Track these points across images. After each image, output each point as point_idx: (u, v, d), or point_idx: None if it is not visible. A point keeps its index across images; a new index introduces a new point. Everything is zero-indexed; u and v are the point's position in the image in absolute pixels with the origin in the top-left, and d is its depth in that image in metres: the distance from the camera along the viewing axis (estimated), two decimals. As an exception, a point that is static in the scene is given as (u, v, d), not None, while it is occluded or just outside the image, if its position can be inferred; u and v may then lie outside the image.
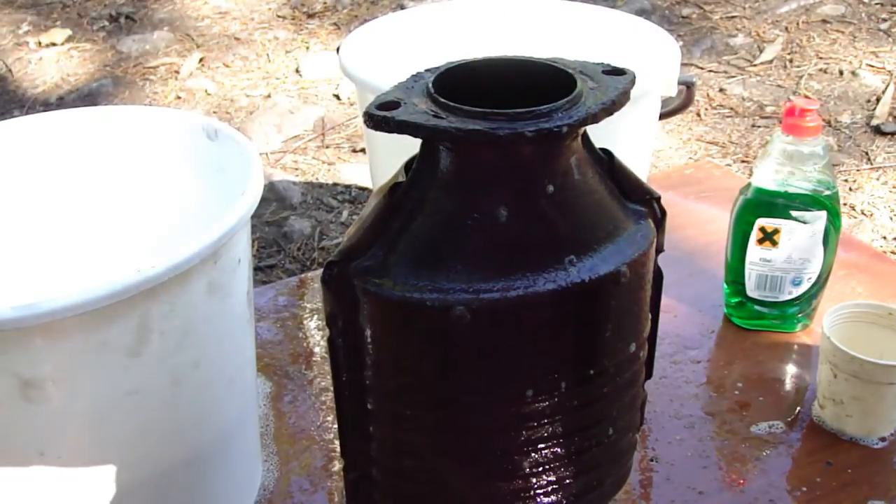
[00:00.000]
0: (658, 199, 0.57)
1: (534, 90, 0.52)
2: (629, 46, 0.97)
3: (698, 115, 1.91)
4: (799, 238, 0.85)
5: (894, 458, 0.77)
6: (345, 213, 1.63)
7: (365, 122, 0.50)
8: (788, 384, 0.86)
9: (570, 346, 0.53)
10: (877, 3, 2.29)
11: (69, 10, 2.47)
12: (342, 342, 0.54)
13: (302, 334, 0.95)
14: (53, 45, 2.31)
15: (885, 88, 1.94)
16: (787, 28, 2.22)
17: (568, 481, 0.58)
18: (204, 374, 0.62)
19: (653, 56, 0.94)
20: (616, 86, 0.52)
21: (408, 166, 0.54)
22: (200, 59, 2.21)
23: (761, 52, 2.14)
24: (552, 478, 0.57)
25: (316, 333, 0.95)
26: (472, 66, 0.55)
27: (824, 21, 2.23)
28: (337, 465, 0.78)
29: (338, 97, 2.02)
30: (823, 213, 0.84)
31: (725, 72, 2.07)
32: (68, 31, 2.36)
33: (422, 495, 0.59)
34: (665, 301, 0.65)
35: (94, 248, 0.76)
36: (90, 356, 0.55)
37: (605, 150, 0.56)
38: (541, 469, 0.56)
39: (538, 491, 0.58)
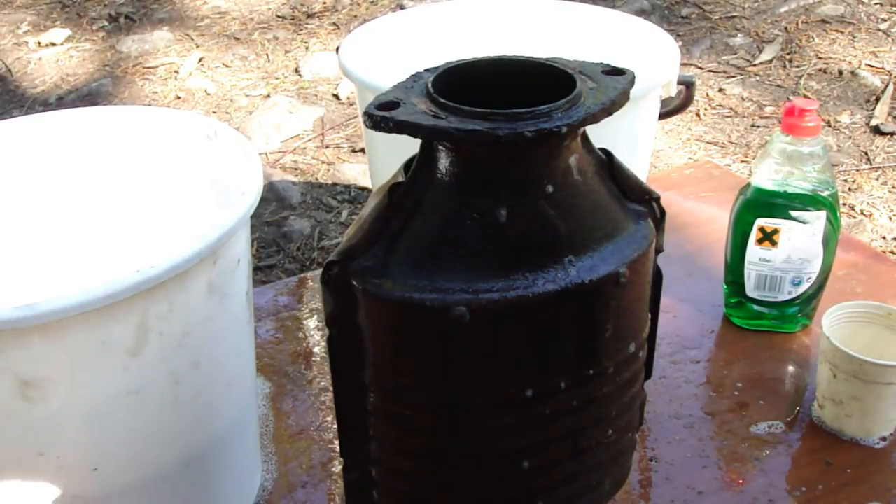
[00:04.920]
0: (658, 199, 0.57)
1: (534, 90, 0.52)
2: (629, 46, 0.97)
3: (698, 115, 1.91)
4: (798, 238, 0.85)
5: (894, 458, 0.77)
6: (344, 213, 1.63)
7: (364, 122, 0.50)
8: (788, 384, 0.86)
9: (569, 346, 0.53)
10: (876, 3, 2.29)
11: (69, 10, 2.47)
12: (342, 342, 0.54)
13: (301, 334, 0.95)
14: (53, 44, 2.31)
15: (885, 88, 1.94)
16: (786, 28, 2.22)
17: (567, 481, 0.58)
18: (203, 374, 0.62)
19: (652, 56, 0.94)
20: (616, 86, 0.52)
21: (407, 166, 0.54)
22: (200, 59, 2.21)
23: (761, 52, 2.14)
24: (551, 478, 0.57)
25: (315, 333, 0.95)
26: (471, 66, 0.55)
27: (824, 21, 2.23)
28: (337, 466, 0.78)
29: (337, 97, 2.02)
30: (823, 213, 0.84)
31: (725, 72, 2.07)
32: (68, 31, 2.36)
33: (421, 495, 0.59)
34: (665, 301, 0.65)
35: (94, 248, 0.76)
36: (90, 356, 0.55)
37: (604, 150, 0.56)
38: (540, 469, 0.56)
39: (537, 491, 0.58)
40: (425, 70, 0.54)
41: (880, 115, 1.86)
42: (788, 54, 2.12)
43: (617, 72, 0.53)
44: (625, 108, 0.52)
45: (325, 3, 2.46)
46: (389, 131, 0.49)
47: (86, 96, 2.10)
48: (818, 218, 0.84)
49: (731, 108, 1.93)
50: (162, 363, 0.59)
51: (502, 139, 0.47)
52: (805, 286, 0.88)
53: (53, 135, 0.76)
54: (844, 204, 1.58)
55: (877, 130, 1.82)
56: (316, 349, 0.93)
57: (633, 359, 0.58)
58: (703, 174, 1.22)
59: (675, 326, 0.92)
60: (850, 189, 1.65)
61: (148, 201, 0.76)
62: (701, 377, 0.87)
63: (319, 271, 0.70)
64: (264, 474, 0.77)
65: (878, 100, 1.91)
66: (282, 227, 1.59)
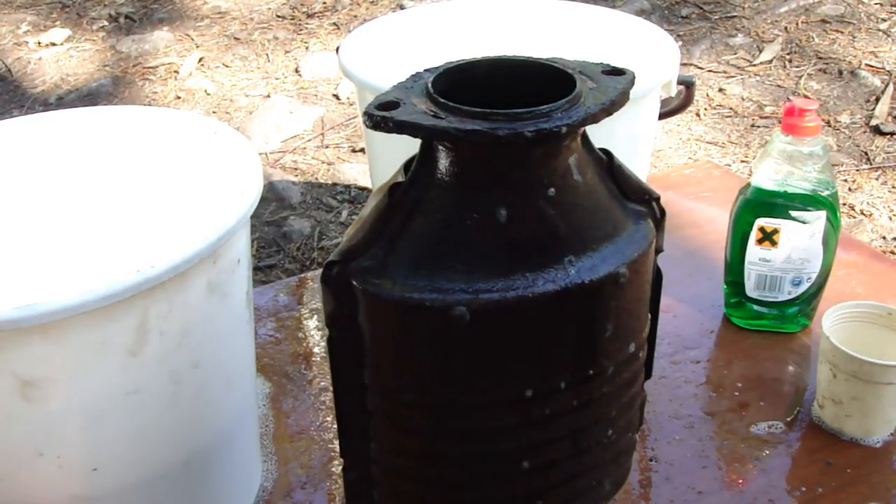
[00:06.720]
0: (657, 199, 0.57)
1: (534, 90, 0.52)
2: (629, 46, 0.97)
3: (698, 115, 1.91)
4: (798, 238, 0.85)
5: (894, 458, 0.77)
6: (344, 213, 1.63)
7: (364, 122, 0.50)
8: (788, 384, 0.86)
9: (569, 346, 0.53)
10: (876, 3, 2.29)
11: (69, 10, 2.47)
12: (342, 342, 0.54)
13: (301, 334, 0.95)
14: (53, 45, 2.31)
15: (885, 88, 1.94)
16: (786, 28, 2.22)
17: (567, 481, 0.58)
18: (203, 374, 0.62)
19: (652, 56, 0.94)
20: (615, 86, 0.52)
21: (407, 166, 0.54)
22: (200, 59, 2.21)
23: (761, 52, 2.14)
24: (551, 478, 0.57)
25: (316, 333, 0.95)
26: (471, 66, 0.55)
27: (824, 21, 2.23)
28: (337, 465, 0.78)
29: (337, 97, 2.02)
30: (823, 213, 0.84)
31: (725, 72, 2.07)
32: (68, 31, 2.36)
33: (421, 495, 0.59)
34: (665, 301, 0.65)
35: (93, 248, 0.76)
36: (89, 356, 0.55)
37: (604, 151, 0.56)
38: (540, 469, 0.56)
39: (537, 491, 0.58)
40: (425, 70, 0.54)
41: (880, 115, 1.86)
42: (788, 54, 2.12)
43: (617, 72, 0.53)
44: (625, 108, 0.52)
45: (325, 3, 2.46)
46: (389, 131, 0.49)
47: (86, 96, 2.10)
48: (818, 218, 0.84)
49: (731, 108, 1.93)
50: (162, 363, 0.59)
51: (502, 139, 0.47)
52: (805, 286, 0.88)
53: (53, 135, 0.76)
54: (844, 204, 1.58)
55: (877, 130, 1.82)
56: (316, 349, 0.93)
57: (633, 359, 0.58)
58: (703, 174, 1.22)
59: (675, 326, 0.92)
60: (850, 189, 1.65)
61: (148, 201, 0.76)
62: (701, 377, 0.87)
63: (319, 271, 0.70)
64: (264, 474, 0.77)
65: (878, 100, 1.91)
66: (282, 227, 1.59)
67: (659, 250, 0.59)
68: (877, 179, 1.68)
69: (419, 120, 0.49)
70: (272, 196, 1.68)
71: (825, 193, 0.85)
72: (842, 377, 0.76)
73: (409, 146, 0.53)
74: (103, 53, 2.27)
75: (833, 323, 0.79)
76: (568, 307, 0.52)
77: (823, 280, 0.89)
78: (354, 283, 0.51)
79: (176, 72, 2.16)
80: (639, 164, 0.95)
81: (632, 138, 0.90)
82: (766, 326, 0.91)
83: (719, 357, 0.89)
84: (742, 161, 1.75)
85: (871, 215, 1.58)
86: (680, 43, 2.13)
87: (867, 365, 0.74)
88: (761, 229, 0.86)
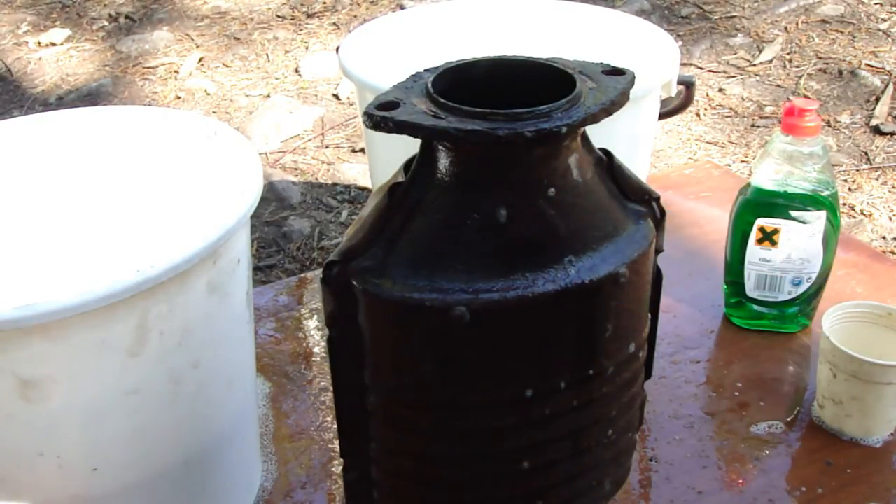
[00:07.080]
0: (657, 199, 0.57)
1: (534, 90, 0.52)
2: (629, 46, 0.97)
3: (698, 115, 1.91)
4: (798, 238, 0.85)
5: (894, 458, 0.77)
6: (344, 213, 1.63)
7: (364, 122, 0.50)
8: (788, 384, 0.86)
9: (569, 346, 0.53)
10: (876, 3, 2.29)
11: (69, 10, 2.47)
12: (342, 342, 0.54)
13: (301, 334, 0.95)
14: (53, 45, 2.31)
15: (885, 88, 1.94)
16: (786, 28, 2.22)
17: (567, 481, 0.58)
18: (203, 374, 0.62)
19: (652, 56, 0.94)
20: (615, 86, 0.52)
21: (407, 166, 0.54)
22: (200, 59, 2.21)
23: (761, 52, 2.14)
24: (551, 478, 0.57)
25: (316, 333, 0.95)
26: (471, 66, 0.55)
27: (824, 21, 2.23)
28: (337, 466, 0.78)
29: (337, 97, 2.02)
30: (823, 213, 0.84)
31: (725, 72, 2.07)
32: (68, 31, 2.36)
33: (421, 495, 0.59)
34: (665, 301, 0.65)
35: (93, 248, 0.76)
36: (89, 356, 0.55)
37: (604, 151, 0.56)
38: (540, 469, 0.56)
39: (537, 491, 0.58)
40: (425, 70, 0.54)
41: (880, 115, 1.86)
42: (788, 54, 2.11)
43: (617, 72, 0.53)
44: (625, 108, 0.52)
45: (325, 3, 2.46)
46: (389, 131, 0.49)
47: (86, 96, 2.10)
48: (818, 218, 0.84)
49: (731, 108, 1.93)
50: (162, 363, 0.59)
51: (502, 139, 0.47)
52: (805, 286, 0.88)
53: (53, 135, 0.76)
54: (844, 204, 1.58)
55: (877, 130, 1.82)
56: (316, 349, 0.93)
57: (633, 359, 0.58)
58: (703, 174, 1.22)
59: (675, 326, 0.92)
60: (850, 189, 1.65)
61: (148, 201, 0.76)
62: (701, 377, 0.87)
63: (319, 271, 0.71)
64: (264, 474, 0.77)
65: (878, 100, 1.91)
66: (282, 227, 1.59)
67: (659, 250, 0.59)
68: (877, 179, 1.68)
69: (419, 120, 0.49)
70: (272, 196, 1.68)
71: (825, 193, 0.85)
72: (842, 377, 0.76)
73: (409, 146, 0.53)
74: (103, 53, 2.27)
75: (833, 323, 0.79)
76: (568, 307, 0.52)
77: (823, 280, 0.89)
78: (354, 283, 0.51)
79: (176, 72, 2.16)
80: (639, 164, 0.95)
81: (632, 138, 0.90)
82: (766, 326, 0.91)
83: (719, 357, 0.89)
84: (742, 161, 1.75)
85: (871, 215, 1.58)
86: (680, 43, 2.13)
87: (867, 365, 0.74)
88: (761, 229, 0.86)
